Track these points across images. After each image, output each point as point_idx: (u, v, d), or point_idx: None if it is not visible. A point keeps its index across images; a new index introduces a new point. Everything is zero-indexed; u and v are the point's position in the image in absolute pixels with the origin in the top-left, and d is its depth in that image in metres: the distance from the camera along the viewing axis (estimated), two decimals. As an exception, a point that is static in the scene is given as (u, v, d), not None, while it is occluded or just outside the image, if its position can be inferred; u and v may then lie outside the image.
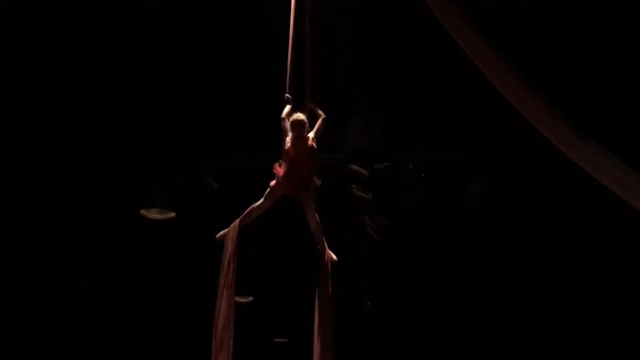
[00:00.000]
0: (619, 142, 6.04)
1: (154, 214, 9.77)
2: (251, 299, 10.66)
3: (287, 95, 6.62)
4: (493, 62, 6.30)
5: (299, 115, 6.51)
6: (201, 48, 8.54)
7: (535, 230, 9.43)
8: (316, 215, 6.55)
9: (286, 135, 6.49)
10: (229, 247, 6.59)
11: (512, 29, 7.46)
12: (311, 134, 6.50)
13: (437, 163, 9.31)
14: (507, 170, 9.18)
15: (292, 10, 6.61)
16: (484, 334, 9.78)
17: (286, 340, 10.69)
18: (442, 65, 8.21)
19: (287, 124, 6.51)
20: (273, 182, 6.53)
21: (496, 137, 8.81)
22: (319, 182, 6.56)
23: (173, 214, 9.81)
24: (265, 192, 6.55)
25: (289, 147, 6.43)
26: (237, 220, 6.64)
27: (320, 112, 6.62)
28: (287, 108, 6.62)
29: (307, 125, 6.51)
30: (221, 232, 6.66)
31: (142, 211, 9.72)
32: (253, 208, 6.63)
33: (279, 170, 6.54)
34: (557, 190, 8.98)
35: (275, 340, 10.49)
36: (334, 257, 6.71)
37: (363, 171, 9.20)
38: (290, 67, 6.59)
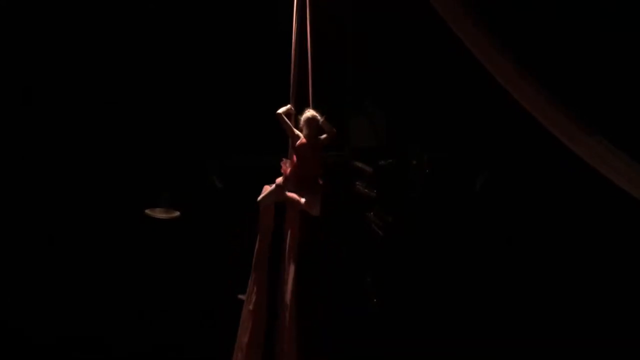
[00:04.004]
0: (625, 137, 5.98)
1: (158, 214, 9.78)
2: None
3: (290, 106, 6.52)
4: (498, 58, 6.30)
5: (312, 112, 6.48)
6: (209, 49, 8.53)
7: (541, 226, 9.38)
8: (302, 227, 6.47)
9: (293, 133, 6.39)
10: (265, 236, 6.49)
11: (517, 24, 7.43)
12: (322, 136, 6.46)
13: (442, 159, 9.27)
14: (512, 166, 9.13)
15: (295, 8, 6.58)
16: (490, 329, 9.70)
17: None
18: (446, 61, 8.19)
19: (289, 122, 6.43)
20: (280, 179, 6.45)
21: (501, 132, 8.77)
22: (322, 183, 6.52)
23: (178, 213, 9.83)
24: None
25: (300, 144, 6.33)
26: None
27: (329, 127, 6.54)
28: (284, 108, 6.52)
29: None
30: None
31: (147, 211, 9.72)
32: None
33: (286, 168, 6.46)
34: (564, 186, 8.94)
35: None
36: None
37: (367, 168, 9.19)
38: (294, 65, 6.55)
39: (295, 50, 6.60)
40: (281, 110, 6.53)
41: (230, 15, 8.47)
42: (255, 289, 6.56)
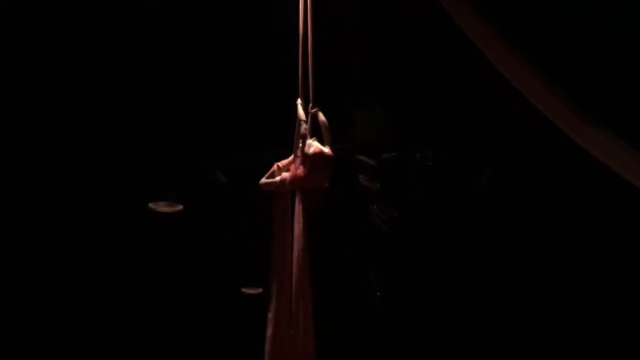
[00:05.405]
0: (633, 130, 5.99)
1: (162, 207, 9.82)
2: (260, 290, 10.63)
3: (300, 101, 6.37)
4: (502, 51, 6.29)
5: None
6: (213, 47, 8.53)
7: (542, 225, 9.43)
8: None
9: (307, 140, 6.15)
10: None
11: (522, 17, 7.46)
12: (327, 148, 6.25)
13: (442, 158, 9.31)
14: (514, 165, 9.17)
15: (301, 5, 6.58)
16: (493, 326, 9.80)
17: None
18: (449, 56, 8.18)
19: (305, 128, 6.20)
20: (286, 175, 6.24)
21: (505, 127, 8.80)
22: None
23: (181, 207, 9.85)
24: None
25: (314, 153, 6.03)
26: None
27: (322, 117, 6.22)
28: (300, 109, 6.32)
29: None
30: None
31: (151, 204, 9.77)
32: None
33: (295, 169, 6.21)
34: (566, 185, 8.97)
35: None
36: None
37: (370, 162, 9.19)
38: (301, 62, 6.49)
39: (302, 48, 6.55)
40: (302, 116, 6.23)
41: (230, 15, 8.46)
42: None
